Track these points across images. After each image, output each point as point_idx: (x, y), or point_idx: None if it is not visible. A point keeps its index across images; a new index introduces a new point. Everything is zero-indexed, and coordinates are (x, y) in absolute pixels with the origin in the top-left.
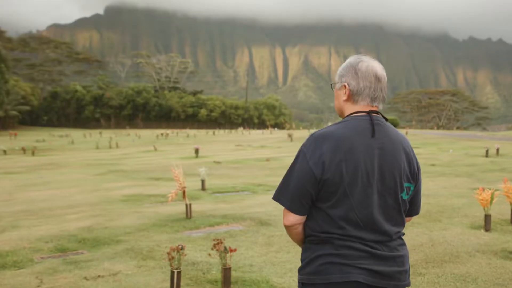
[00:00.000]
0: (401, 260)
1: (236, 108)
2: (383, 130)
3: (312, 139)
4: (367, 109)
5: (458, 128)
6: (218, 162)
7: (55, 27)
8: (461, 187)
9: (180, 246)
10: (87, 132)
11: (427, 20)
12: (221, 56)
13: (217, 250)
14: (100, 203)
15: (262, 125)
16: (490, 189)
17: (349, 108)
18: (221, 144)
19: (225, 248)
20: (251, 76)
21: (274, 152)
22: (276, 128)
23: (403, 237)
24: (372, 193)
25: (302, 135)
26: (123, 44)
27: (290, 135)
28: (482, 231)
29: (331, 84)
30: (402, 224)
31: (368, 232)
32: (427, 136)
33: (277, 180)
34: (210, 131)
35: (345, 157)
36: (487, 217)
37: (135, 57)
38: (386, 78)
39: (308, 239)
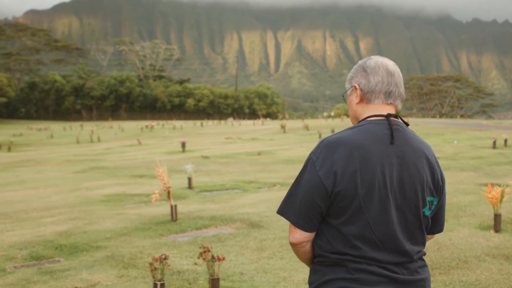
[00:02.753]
0: (422, 284)
1: (226, 97)
2: (403, 136)
3: (323, 145)
4: (384, 111)
5: (462, 116)
6: (206, 157)
7: (32, 13)
8: (468, 183)
9: (163, 256)
10: (67, 125)
11: (428, 1)
12: (208, 42)
13: (203, 259)
14: (79, 204)
15: (253, 115)
16: (500, 185)
17: (364, 111)
18: (209, 136)
19: (213, 257)
20: (241, 63)
21: (266, 145)
22: (268, 118)
23: (424, 257)
24: (391, 208)
25: (296, 125)
26: (105, 31)
27: (283, 126)
28: (492, 232)
29: (343, 96)
30: (423, 243)
31: (387, 253)
32: (430, 125)
33: (269, 176)
34: (198, 122)
35: (360, 167)
36: (497, 217)
37: (117, 44)
38: (401, 74)
39: (317, 260)
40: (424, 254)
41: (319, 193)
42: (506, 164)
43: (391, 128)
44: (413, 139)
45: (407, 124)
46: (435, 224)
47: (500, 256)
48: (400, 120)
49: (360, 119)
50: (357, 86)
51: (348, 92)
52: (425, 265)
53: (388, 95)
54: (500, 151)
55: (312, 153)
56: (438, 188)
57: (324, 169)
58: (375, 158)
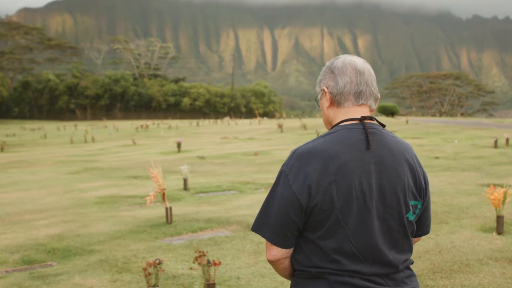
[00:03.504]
0: None
1: (222, 96)
2: (380, 140)
3: (295, 157)
4: (357, 113)
5: (462, 114)
6: (202, 157)
7: (26, 11)
8: (469, 183)
9: (157, 261)
10: (61, 124)
11: None
12: (204, 40)
13: (199, 263)
14: (73, 206)
15: (250, 114)
16: (502, 186)
17: (336, 116)
18: (205, 136)
19: (208, 261)
20: (237, 61)
21: (263, 145)
22: (265, 118)
23: (411, 265)
24: (371, 218)
25: (293, 125)
26: (99, 29)
27: (280, 126)
28: (494, 234)
29: (316, 100)
30: (409, 250)
31: (369, 265)
32: (430, 124)
33: (266, 177)
34: (194, 122)
35: (336, 178)
36: (499, 219)
37: (112, 42)
38: (372, 72)
39: (297, 273)
40: (411, 263)
41: (293, 208)
42: (508, 164)
43: (366, 133)
44: (391, 142)
45: (383, 126)
46: (421, 227)
47: (503, 260)
48: (375, 122)
49: (333, 123)
50: (326, 89)
51: (319, 96)
52: (412, 275)
53: (358, 95)
54: (502, 151)
55: (284, 165)
56: (421, 191)
57: (298, 182)
58: (351, 166)
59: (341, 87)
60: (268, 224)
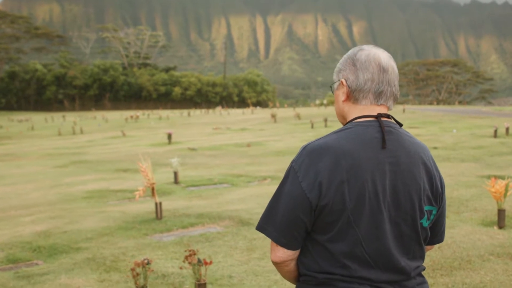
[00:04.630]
0: None
1: (214, 85)
2: (396, 139)
3: (305, 153)
4: (374, 112)
5: (460, 102)
6: (193, 149)
7: None
8: (469, 175)
9: (146, 261)
10: (49, 115)
11: None
12: (195, 28)
13: (189, 263)
14: (60, 201)
15: (242, 103)
16: (503, 178)
17: (351, 111)
18: (196, 127)
19: (199, 260)
20: (229, 49)
21: (256, 135)
22: (258, 107)
23: (423, 272)
24: (383, 221)
25: (287, 114)
26: (87, 17)
27: (273, 115)
28: (495, 228)
29: (331, 87)
30: (421, 257)
31: (380, 271)
32: (427, 113)
33: (259, 169)
34: (185, 112)
35: (348, 177)
36: (501, 212)
37: (100, 31)
38: (395, 69)
39: (302, 279)
40: (423, 269)
41: (302, 207)
42: (509, 154)
43: (382, 131)
44: (408, 142)
45: (400, 125)
46: (434, 234)
47: (505, 255)
48: (392, 120)
49: (347, 119)
50: (344, 82)
51: (335, 85)
52: (424, 282)
53: (378, 95)
54: (502, 140)
55: (294, 161)
56: (437, 196)
57: (308, 180)
58: (365, 165)
59: (361, 84)
60: (274, 223)
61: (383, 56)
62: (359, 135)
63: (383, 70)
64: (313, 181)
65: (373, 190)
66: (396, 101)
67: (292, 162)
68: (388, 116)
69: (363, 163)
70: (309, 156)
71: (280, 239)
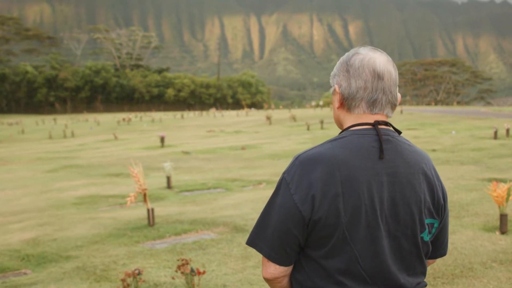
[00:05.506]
0: None
1: (207, 86)
2: (395, 149)
3: (298, 163)
4: (371, 119)
5: (458, 103)
6: (187, 153)
7: (1, 0)
8: (469, 178)
9: (136, 271)
10: (40, 118)
11: None
12: (188, 28)
13: (182, 272)
14: (49, 207)
15: (237, 105)
16: (505, 182)
17: (346, 119)
18: (190, 129)
19: (192, 270)
20: (223, 50)
21: (250, 138)
22: (252, 109)
23: None
24: (381, 236)
25: (282, 116)
26: (78, 18)
27: (268, 117)
28: (498, 233)
29: (331, 88)
30: (423, 273)
31: None
32: (425, 114)
33: (254, 173)
34: (178, 114)
35: (343, 189)
36: (503, 217)
37: (92, 32)
38: (393, 75)
39: None
40: (425, 286)
41: (294, 221)
42: (510, 157)
43: (379, 140)
44: (408, 151)
45: (399, 132)
46: (437, 248)
47: (508, 262)
48: (391, 128)
49: (343, 126)
50: (337, 89)
51: (331, 90)
52: None
53: (371, 104)
54: (502, 142)
55: (286, 172)
56: (439, 208)
57: (300, 192)
58: (361, 177)
59: (353, 92)
60: (265, 237)
61: (379, 61)
62: (355, 145)
63: (378, 77)
64: (305, 194)
65: (370, 203)
66: (395, 108)
67: (284, 173)
68: (386, 123)
69: (359, 175)
70: (302, 167)
71: (272, 255)
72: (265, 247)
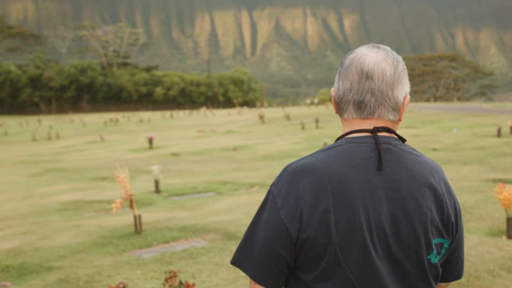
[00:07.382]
0: None
1: (198, 84)
2: (396, 159)
3: (286, 175)
4: (367, 125)
5: (459, 99)
6: (176, 154)
7: None
8: (472, 179)
9: (122, 285)
10: (24, 119)
11: None
12: (178, 24)
13: (170, 285)
14: (32, 214)
15: (228, 103)
16: (510, 182)
17: (344, 125)
18: (180, 130)
19: (181, 283)
20: (213, 47)
21: (242, 138)
22: (245, 107)
23: None
24: (378, 258)
25: (276, 115)
26: (63, 15)
27: (261, 116)
28: (504, 238)
29: None
30: None
31: None
32: (425, 112)
33: (246, 175)
34: (168, 114)
35: (334, 205)
36: (510, 221)
37: (77, 29)
38: (388, 75)
39: None
40: None
41: (281, 240)
42: None
43: (378, 149)
44: (412, 162)
45: (403, 140)
46: (450, 270)
47: None
48: (394, 135)
49: (343, 132)
50: (332, 92)
51: None
52: None
53: (358, 107)
54: (506, 140)
55: (273, 184)
56: (449, 226)
57: (287, 207)
58: (356, 191)
59: (340, 94)
60: (251, 257)
61: (370, 60)
62: (350, 154)
63: (365, 77)
64: (293, 209)
65: (366, 220)
66: (399, 111)
67: (271, 186)
68: (388, 130)
69: (353, 188)
70: (290, 179)
71: (258, 276)
72: (251, 267)
